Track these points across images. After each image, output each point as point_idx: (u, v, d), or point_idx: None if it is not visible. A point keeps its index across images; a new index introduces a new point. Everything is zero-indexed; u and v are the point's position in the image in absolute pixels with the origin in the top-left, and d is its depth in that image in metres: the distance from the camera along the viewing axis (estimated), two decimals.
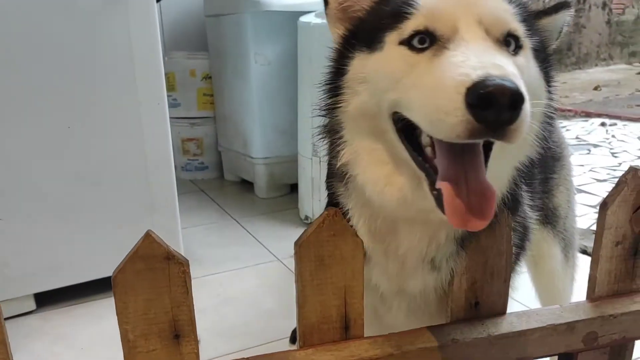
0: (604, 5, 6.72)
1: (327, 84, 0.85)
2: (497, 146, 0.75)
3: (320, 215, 0.82)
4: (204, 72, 3.62)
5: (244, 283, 2.28)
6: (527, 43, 0.78)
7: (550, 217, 1.36)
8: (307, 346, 0.86)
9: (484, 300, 0.91)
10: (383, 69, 0.76)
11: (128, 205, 2.13)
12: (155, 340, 0.79)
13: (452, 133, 0.64)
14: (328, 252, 0.83)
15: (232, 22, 3.21)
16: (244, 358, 0.83)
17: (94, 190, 2.07)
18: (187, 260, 0.78)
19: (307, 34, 2.78)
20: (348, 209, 0.88)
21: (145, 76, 2.08)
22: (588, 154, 3.99)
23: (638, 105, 5.03)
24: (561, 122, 5.21)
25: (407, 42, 0.74)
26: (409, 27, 0.74)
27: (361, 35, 0.82)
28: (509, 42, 0.74)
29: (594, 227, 2.73)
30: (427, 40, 0.73)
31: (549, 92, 0.85)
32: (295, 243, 0.82)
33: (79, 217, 2.07)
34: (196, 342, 0.81)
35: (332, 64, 0.86)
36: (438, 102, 0.65)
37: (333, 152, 0.88)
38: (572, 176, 1.50)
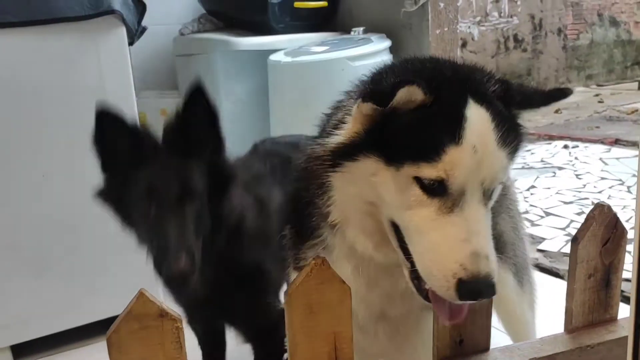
0: (559, 31, 7.00)
1: (325, 149, 0.90)
2: None
3: (308, 264, 0.85)
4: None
5: None
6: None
7: (495, 245, 1.40)
8: None
9: (467, 337, 0.95)
10: (395, 193, 0.83)
11: (105, 251, 2.11)
12: None
13: (440, 293, 0.81)
14: (316, 300, 0.85)
15: (202, 62, 3.24)
16: None
17: (70, 237, 2.06)
18: (180, 316, 0.79)
19: (277, 72, 2.84)
20: (326, 237, 0.96)
21: None
22: (553, 176, 4.10)
23: (597, 127, 5.21)
24: (525, 145, 5.35)
25: (420, 180, 0.81)
26: (429, 173, 0.81)
27: (381, 144, 0.84)
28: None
29: (564, 250, 2.82)
30: (436, 184, 0.81)
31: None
32: (285, 292, 0.85)
33: (54, 265, 2.04)
34: None
35: (342, 139, 0.88)
36: (434, 273, 0.80)
37: (317, 195, 0.93)
38: (516, 203, 1.54)
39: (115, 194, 1.31)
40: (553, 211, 3.38)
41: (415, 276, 0.84)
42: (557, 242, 2.92)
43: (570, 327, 1.00)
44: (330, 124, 0.94)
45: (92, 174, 2.05)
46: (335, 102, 1.01)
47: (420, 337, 1.03)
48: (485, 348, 0.96)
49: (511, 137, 0.85)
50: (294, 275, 1.06)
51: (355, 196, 0.89)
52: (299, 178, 1.01)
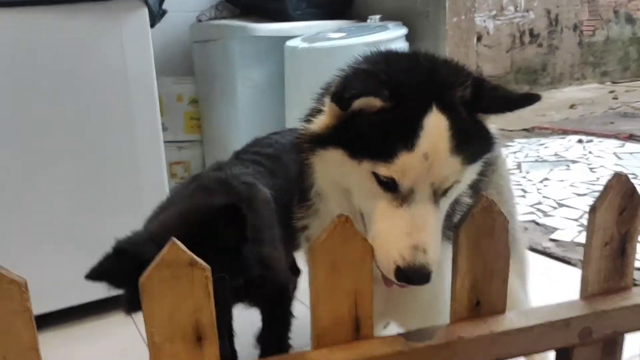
0: (575, 27, 6.96)
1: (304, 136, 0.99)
2: None
3: (332, 222, 0.87)
4: (190, 97, 3.67)
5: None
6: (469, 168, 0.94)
7: None
8: (321, 346, 0.90)
9: (485, 300, 0.97)
10: (358, 184, 0.93)
11: (123, 230, 2.15)
12: (179, 343, 0.83)
13: (384, 273, 0.91)
14: (339, 257, 0.88)
15: (219, 48, 3.27)
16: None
17: (89, 216, 2.10)
18: (209, 267, 0.82)
19: (294, 57, 2.86)
20: (315, 202, 1.06)
21: (140, 103, 2.14)
22: (567, 169, 4.10)
23: (612, 123, 5.19)
24: (539, 140, 5.35)
25: (377, 175, 0.90)
26: (383, 171, 0.89)
27: (345, 140, 0.92)
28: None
29: (577, 240, 2.83)
30: (390, 181, 0.89)
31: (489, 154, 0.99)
32: (310, 248, 0.88)
33: (74, 242, 2.08)
34: (217, 344, 0.85)
35: (316, 128, 0.96)
36: (379, 257, 0.90)
37: (305, 168, 1.03)
38: (507, 180, 1.56)
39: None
40: (566, 202, 3.38)
41: None
42: (570, 232, 2.93)
43: (586, 294, 1.02)
44: (315, 107, 1.03)
45: (112, 151, 2.10)
46: (326, 83, 1.07)
47: (416, 299, 1.09)
48: (502, 310, 0.98)
49: (469, 143, 0.91)
50: (303, 239, 1.15)
51: (331, 180, 0.98)
52: (295, 148, 1.10)
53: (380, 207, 0.91)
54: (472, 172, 0.97)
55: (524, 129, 5.88)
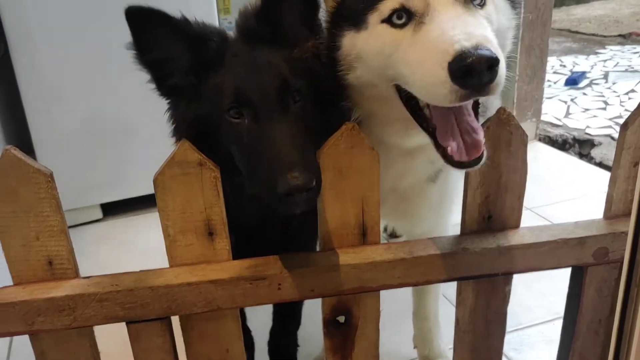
0: None
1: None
2: None
3: (339, 129, 0.88)
4: None
5: None
6: None
7: None
8: (327, 249, 0.94)
9: (497, 214, 0.96)
10: (372, 47, 0.85)
11: None
12: (191, 236, 0.89)
13: (446, 101, 0.74)
14: (346, 164, 0.89)
15: None
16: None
17: (154, 113, 2.19)
18: (219, 167, 0.86)
19: None
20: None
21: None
22: None
23: None
24: (634, 47, 4.91)
25: (387, 20, 0.82)
26: (387, 6, 0.82)
27: (346, 14, 0.88)
28: None
29: None
30: (404, 16, 0.80)
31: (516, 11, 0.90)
32: (318, 153, 0.89)
33: (141, 137, 2.21)
34: (227, 239, 0.91)
35: (325, 39, 0.93)
36: (427, 77, 0.75)
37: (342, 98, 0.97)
38: None
39: (192, 119, 0.92)
40: None
41: (438, 145, 0.84)
42: None
43: (609, 214, 0.99)
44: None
45: None
46: None
47: (425, 204, 1.10)
48: (515, 226, 0.97)
49: None
50: None
51: (358, 82, 0.91)
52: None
53: (407, 45, 0.79)
54: (499, 8, 0.85)
55: (619, 35, 5.40)
